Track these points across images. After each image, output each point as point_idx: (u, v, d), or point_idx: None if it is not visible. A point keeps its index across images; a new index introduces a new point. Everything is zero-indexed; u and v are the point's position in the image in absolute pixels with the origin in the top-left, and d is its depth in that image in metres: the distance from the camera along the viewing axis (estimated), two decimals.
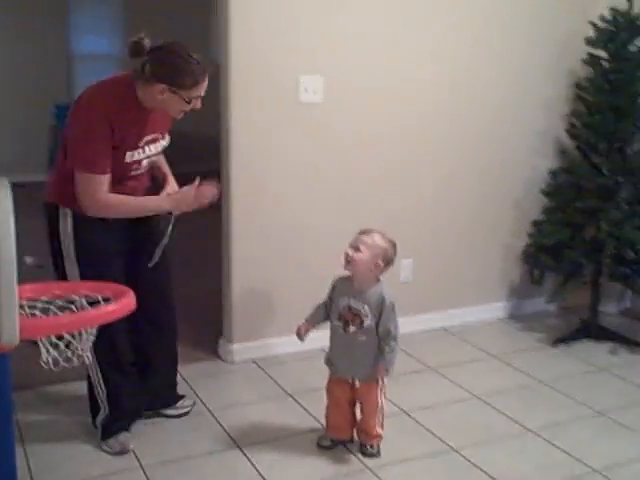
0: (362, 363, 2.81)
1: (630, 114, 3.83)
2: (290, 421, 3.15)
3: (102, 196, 2.62)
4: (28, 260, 4.97)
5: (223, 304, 3.76)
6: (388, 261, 2.79)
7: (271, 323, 3.76)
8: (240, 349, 3.71)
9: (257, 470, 2.79)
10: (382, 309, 2.76)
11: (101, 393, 2.89)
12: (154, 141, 2.78)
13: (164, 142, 2.84)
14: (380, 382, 2.85)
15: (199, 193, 2.76)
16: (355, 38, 3.64)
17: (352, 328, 2.79)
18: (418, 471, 2.81)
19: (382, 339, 2.77)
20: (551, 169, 4.16)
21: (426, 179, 3.98)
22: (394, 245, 2.81)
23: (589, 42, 3.93)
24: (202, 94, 2.65)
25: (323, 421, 3.07)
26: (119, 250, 2.83)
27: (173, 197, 2.82)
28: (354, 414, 2.93)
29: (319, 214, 3.74)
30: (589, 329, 4.06)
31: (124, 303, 2.22)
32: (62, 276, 2.76)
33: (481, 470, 2.80)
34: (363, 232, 2.79)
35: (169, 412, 3.14)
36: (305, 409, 3.23)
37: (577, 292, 4.07)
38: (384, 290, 2.79)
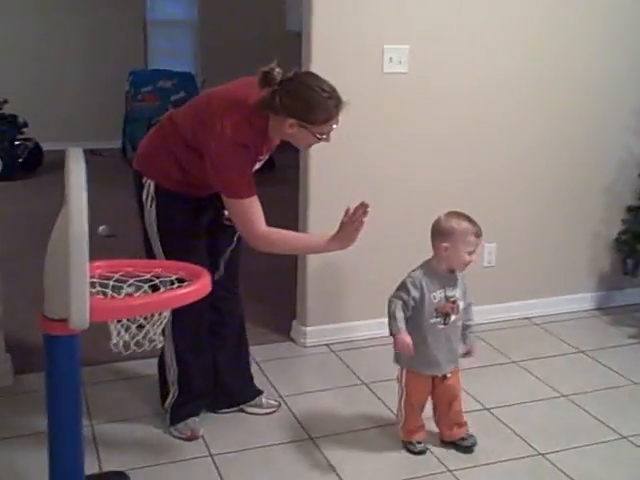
0: (457, 348, 2.72)
1: None
2: (364, 412, 3.00)
3: (259, 226, 2.51)
4: (101, 229, 4.94)
5: (297, 284, 3.62)
6: None
7: (347, 306, 3.61)
8: (314, 332, 3.57)
9: (330, 463, 2.66)
10: (464, 286, 2.70)
11: (172, 374, 2.80)
12: (262, 160, 2.65)
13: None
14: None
15: (356, 220, 2.50)
16: (445, 5, 3.42)
17: (453, 317, 2.65)
18: (500, 475, 2.63)
19: (468, 315, 2.73)
20: None
21: (510, 160, 3.74)
22: None
23: None
24: (334, 128, 2.48)
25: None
26: (200, 232, 2.72)
27: (338, 237, 2.55)
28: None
29: (400, 193, 3.55)
30: None
31: (200, 285, 2.13)
32: (147, 245, 2.70)
33: (568, 477, 2.60)
34: (478, 235, 2.61)
35: (252, 410, 2.99)
36: (380, 399, 3.08)
37: None
38: None
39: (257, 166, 2.61)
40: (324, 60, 3.25)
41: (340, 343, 3.57)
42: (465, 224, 2.59)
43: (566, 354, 3.57)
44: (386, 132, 3.47)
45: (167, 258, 2.61)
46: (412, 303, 2.61)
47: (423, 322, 2.63)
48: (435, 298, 2.62)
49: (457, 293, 2.65)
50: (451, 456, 2.72)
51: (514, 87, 3.66)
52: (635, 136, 3.93)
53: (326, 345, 3.56)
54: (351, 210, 2.49)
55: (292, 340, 3.63)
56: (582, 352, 3.59)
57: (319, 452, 2.72)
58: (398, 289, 2.63)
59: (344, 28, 3.28)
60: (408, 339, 2.54)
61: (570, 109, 3.79)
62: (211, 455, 2.69)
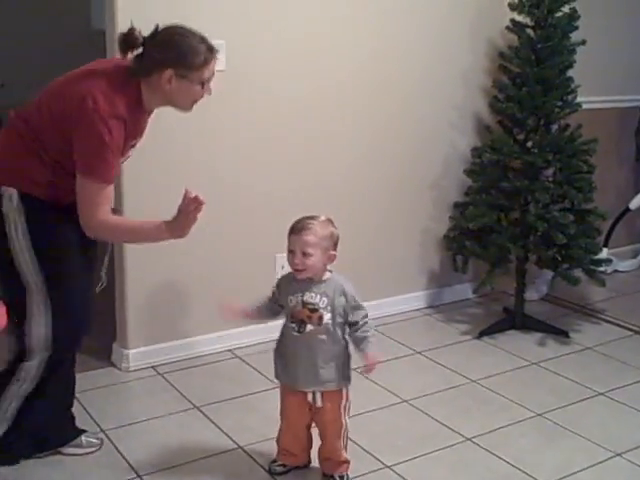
0: (325, 369, 2.39)
1: (558, 87, 3.58)
2: (200, 439, 2.73)
3: (103, 212, 2.26)
4: None
5: (116, 303, 3.29)
6: (337, 243, 2.44)
7: (171, 324, 3.33)
8: (137, 355, 3.25)
9: None
10: (346, 298, 2.39)
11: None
12: (135, 145, 2.39)
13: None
14: (344, 399, 2.46)
15: (189, 212, 2.25)
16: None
17: (309, 327, 2.37)
18: None
19: (358, 328, 2.40)
20: (473, 147, 3.87)
21: (340, 159, 3.61)
22: (331, 221, 2.45)
23: (512, 7, 3.65)
24: (213, 77, 2.30)
25: (236, 438, 2.72)
26: (79, 247, 2.42)
27: (171, 225, 2.28)
28: (311, 437, 2.55)
29: (225, 194, 3.31)
30: (513, 319, 3.81)
31: None
32: (5, 272, 2.34)
33: None
34: (299, 230, 2.36)
35: (70, 451, 2.61)
36: (215, 423, 2.83)
37: (499, 279, 3.80)
38: (339, 277, 2.44)
39: (129, 153, 2.39)
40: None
41: (167, 364, 3.28)
42: (295, 221, 2.41)
43: (403, 357, 3.47)
44: (209, 131, 3.22)
45: (48, 281, 2.32)
46: (273, 299, 2.47)
47: (284, 326, 2.44)
48: (291, 302, 2.40)
49: (320, 302, 2.36)
50: None
51: (344, 93, 3.55)
52: (459, 132, 3.92)
53: (152, 367, 3.26)
54: (190, 194, 2.24)
55: (113, 365, 3.29)
56: (419, 353, 3.51)
57: None
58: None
59: (151, 24, 2.98)
60: (234, 306, 2.49)
61: (399, 112, 3.74)
62: None
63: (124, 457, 2.61)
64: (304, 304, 2.37)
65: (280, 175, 3.44)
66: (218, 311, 2.59)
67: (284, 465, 2.55)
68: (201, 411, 2.92)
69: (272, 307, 2.49)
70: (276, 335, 2.47)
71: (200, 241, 3.26)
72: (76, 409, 2.80)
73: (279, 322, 2.48)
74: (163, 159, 3.13)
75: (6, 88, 6.59)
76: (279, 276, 2.54)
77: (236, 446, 2.68)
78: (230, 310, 2.53)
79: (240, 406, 2.96)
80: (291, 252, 2.37)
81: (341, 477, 2.50)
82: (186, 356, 3.34)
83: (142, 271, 3.19)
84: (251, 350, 3.39)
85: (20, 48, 7.51)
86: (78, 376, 3.06)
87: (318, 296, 2.37)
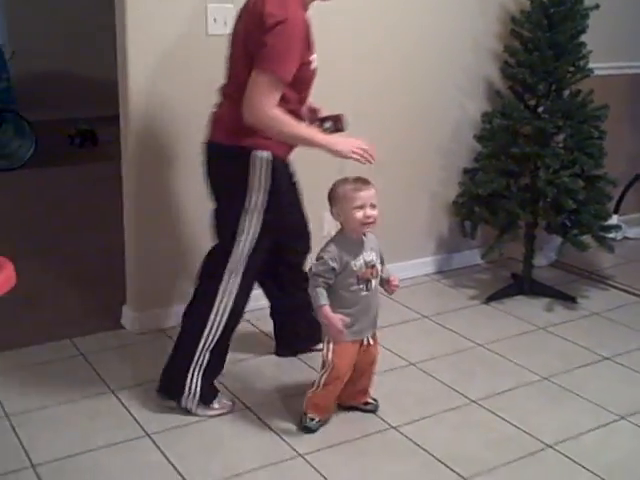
0: (377, 312, 2.63)
1: (570, 52, 3.55)
2: None
3: (271, 105, 2.40)
4: None
5: (126, 266, 3.32)
6: None
7: (181, 287, 3.34)
8: (146, 317, 3.28)
9: (169, 461, 2.42)
10: (379, 248, 2.61)
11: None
12: (312, 61, 2.56)
13: None
14: None
15: (356, 153, 2.52)
16: None
17: (374, 282, 2.55)
18: (355, 454, 2.50)
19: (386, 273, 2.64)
20: (484, 112, 3.84)
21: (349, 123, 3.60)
22: None
23: None
24: None
25: (244, 398, 2.77)
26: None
27: (329, 140, 2.55)
28: None
29: None
30: (521, 284, 3.82)
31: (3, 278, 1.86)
32: (229, 218, 2.59)
33: (421, 448, 2.52)
34: (363, 185, 2.49)
35: None
36: (223, 384, 2.86)
37: (508, 245, 3.80)
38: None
39: (312, 65, 2.54)
40: (143, 23, 2.97)
41: (176, 327, 3.30)
42: (343, 184, 2.48)
43: (410, 321, 3.49)
44: (213, 96, 3.22)
45: (260, 238, 2.57)
46: (332, 276, 2.47)
47: (346, 289, 2.49)
48: (355, 266, 2.47)
49: (374, 257, 2.54)
50: (302, 440, 2.55)
51: (346, 52, 3.49)
52: (469, 98, 3.90)
53: (162, 330, 3.29)
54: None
55: (123, 327, 3.33)
56: (426, 317, 3.53)
57: (158, 450, 2.47)
58: (317, 265, 2.47)
59: None
60: (336, 318, 2.45)
61: (406, 73, 3.70)
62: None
63: (132, 415, 2.66)
64: (366, 264, 2.50)
65: None
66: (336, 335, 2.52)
67: (320, 421, 2.62)
68: None
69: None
70: None
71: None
72: (85, 370, 2.86)
73: None
74: (165, 128, 3.14)
75: (17, 56, 6.61)
76: (326, 253, 2.49)
77: (244, 407, 2.72)
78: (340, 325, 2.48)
79: (248, 370, 3.00)
80: (360, 208, 2.45)
81: (374, 399, 2.73)
82: None
83: (153, 233, 3.21)
84: (260, 314, 3.42)
85: (30, 17, 7.53)
86: (87, 338, 3.15)
87: (372, 252, 2.54)
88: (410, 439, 2.57)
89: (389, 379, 2.95)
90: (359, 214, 2.45)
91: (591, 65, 3.65)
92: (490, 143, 3.72)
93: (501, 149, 3.67)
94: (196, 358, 2.61)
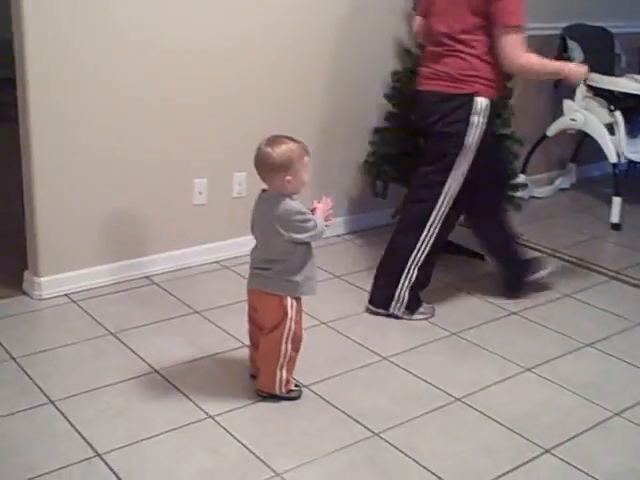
0: None
1: None
2: (114, 364, 2.70)
3: (526, 53, 2.84)
4: None
5: (26, 230, 3.19)
6: None
7: (86, 252, 3.24)
8: (49, 282, 3.17)
9: (74, 427, 2.34)
10: None
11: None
12: None
13: None
14: None
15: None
16: None
17: None
18: (267, 415, 2.48)
19: None
20: (393, 71, 3.83)
21: (260, 81, 3.53)
22: None
23: None
24: None
25: (151, 362, 2.71)
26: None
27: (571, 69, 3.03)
28: None
29: (125, 120, 3.22)
30: None
31: None
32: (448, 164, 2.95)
33: (333, 407, 2.51)
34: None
35: None
36: (129, 348, 2.79)
37: None
38: None
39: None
40: None
41: (81, 292, 3.21)
42: (288, 144, 2.36)
43: (323, 281, 3.44)
44: (117, 51, 3.11)
45: (469, 173, 2.96)
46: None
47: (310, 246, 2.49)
48: None
49: None
50: (212, 402, 2.50)
51: (235, 8, 3.43)
52: (379, 57, 3.87)
53: (66, 295, 3.18)
54: None
55: (25, 293, 3.21)
56: (338, 277, 3.52)
57: (62, 416, 2.39)
58: (304, 221, 2.41)
59: None
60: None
61: (318, 31, 3.65)
62: None
63: (35, 383, 2.56)
64: None
65: (198, 111, 3.36)
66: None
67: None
68: (116, 337, 2.88)
69: None
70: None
71: (117, 169, 3.19)
72: None
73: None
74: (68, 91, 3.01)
75: None
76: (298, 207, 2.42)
77: (151, 370, 2.66)
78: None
79: (156, 331, 2.94)
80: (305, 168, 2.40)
81: None
82: (101, 284, 3.27)
83: (53, 196, 3.09)
84: (167, 277, 3.35)
85: None
86: None
87: None
88: (321, 397, 2.57)
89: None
90: (306, 175, 2.40)
91: None
92: (399, 102, 3.71)
93: (410, 108, 3.66)
94: (405, 273, 3.05)
